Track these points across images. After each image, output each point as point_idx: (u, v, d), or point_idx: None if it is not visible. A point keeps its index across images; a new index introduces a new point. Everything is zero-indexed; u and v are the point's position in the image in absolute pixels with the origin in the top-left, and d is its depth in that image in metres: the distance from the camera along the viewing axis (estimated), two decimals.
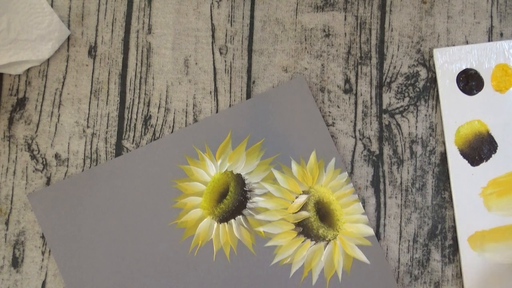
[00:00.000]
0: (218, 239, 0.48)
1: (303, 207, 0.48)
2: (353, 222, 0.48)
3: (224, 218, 0.48)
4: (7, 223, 0.49)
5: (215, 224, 0.48)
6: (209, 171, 0.48)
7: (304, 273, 0.47)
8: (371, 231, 0.47)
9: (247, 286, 0.47)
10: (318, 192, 0.48)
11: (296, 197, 0.48)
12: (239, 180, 0.48)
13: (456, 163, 0.48)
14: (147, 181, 0.48)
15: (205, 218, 0.48)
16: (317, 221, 0.48)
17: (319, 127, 0.49)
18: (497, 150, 0.48)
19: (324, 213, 0.48)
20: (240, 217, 0.48)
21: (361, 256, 0.47)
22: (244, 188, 0.48)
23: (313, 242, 0.47)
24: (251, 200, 0.48)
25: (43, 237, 0.49)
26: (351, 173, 0.49)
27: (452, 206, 0.48)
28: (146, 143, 0.50)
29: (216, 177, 0.48)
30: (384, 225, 0.49)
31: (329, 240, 0.47)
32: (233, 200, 0.48)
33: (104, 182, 0.48)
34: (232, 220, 0.48)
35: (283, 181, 0.48)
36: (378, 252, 0.47)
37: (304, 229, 0.48)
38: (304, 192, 0.48)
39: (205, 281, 0.47)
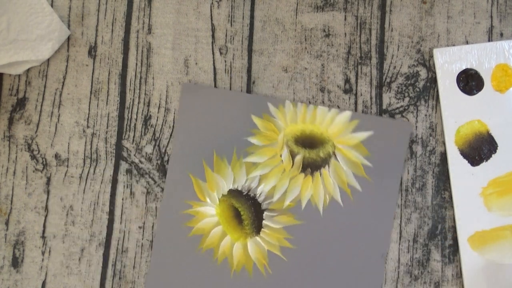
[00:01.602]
0: (271, 244, 0.48)
1: (293, 156, 0.48)
2: (331, 123, 0.48)
3: (257, 227, 0.48)
4: (7, 223, 0.49)
5: (258, 238, 0.48)
6: (211, 213, 0.48)
7: (347, 191, 0.47)
8: (348, 113, 0.48)
9: (322, 246, 0.47)
10: (288, 134, 0.48)
11: (281, 155, 0.48)
12: (235, 193, 0.48)
13: (456, 163, 0.48)
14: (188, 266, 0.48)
15: (247, 243, 0.48)
16: (311, 152, 0.48)
17: (237, 98, 0.49)
18: (497, 150, 0.48)
19: (308, 141, 0.48)
20: (266, 212, 0.48)
21: (363, 134, 0.48)
22: (244, 193, 0.48)
23: (327, 166, 0.48)
24: (258, 195, 0.48)
25: (43, 237, 0.49)
26: None
27: (452, 206, 0.48)
28: (146, 144, 0.50)
29: (219, 211, 0.48)
30: None
31: (334, 152, 0.48)
32: (247, 209, 0.48)
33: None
34: (264, 221, 0.48)
35: (259, 157, 0.48)
36: (368, 118, 0.48)
37: (311, 167, 0.48)
38: (280, 147, 0.48)
39: (291, 279, 0.47)
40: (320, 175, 0.48)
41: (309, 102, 0.49)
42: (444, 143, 0.49)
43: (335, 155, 0.48)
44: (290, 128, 0.48)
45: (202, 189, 0.49)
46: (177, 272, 0.48)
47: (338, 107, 0.50)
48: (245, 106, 0.49)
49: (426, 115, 0.50)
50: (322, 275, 0.47)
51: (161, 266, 0.48)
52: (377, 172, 0.48)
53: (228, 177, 0.49)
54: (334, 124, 0.48)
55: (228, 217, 0.48)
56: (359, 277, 0.47)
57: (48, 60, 0.51)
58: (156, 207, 0.49)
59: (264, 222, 0.48)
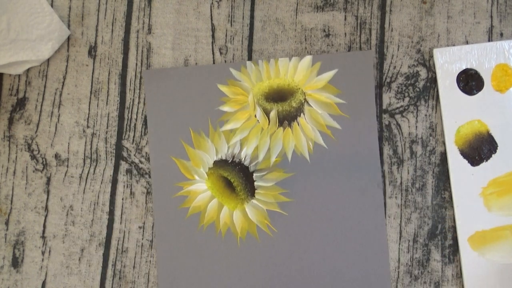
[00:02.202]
0: (267, 203, 0.48)
1: (267, 113, 0.49)
2: (296, 69, 0.48)
3: (251, 191, 0.48)
4: (7, 223, 0.49)
5: (254, 201, 0.48)
6: (202, 189, 0.49)
7: (328, 133, 0.48)
8: (309, 57, 0.49)
9: (317, 193, 0.48)
10: (257, 92, 0.49)
11: (255, 116, 0.49)
12: (220, 163, 0.49)
13: (456, 163, 0.48)
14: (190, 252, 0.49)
15: (245, 208, 0.48)
16: (283, 104, 0.48)
17: (197, 72, 0.49)
18: (497, 150, 0.48)
19: (278, 95, 0.49)
20: (255, 174, 0.48)
21: (329, 75, 0.49)
22: (229, 161, 0.49)
23: (302, 114, 0.48)
24: (243, 160, 0.48)
25: (43, 237, 0.49)
26: None
27: (452, 206, 0.48)
28: (146, 144, 0.50)
29: (209, 185, 0.49)
30: (384, 225, 0.49)
31: (305, 99, 0.48)
32: (236, 176, 0.48)
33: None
34: (255, 183, 0.48)
35: (235, 123, 0.49)
36: (331, 57, 0.49)
37: (287, 119, 0.48)
38: (252, 107, 0.49)
39: (296, 234, 0.48)
40: (298, 124, 0.48)
41: (268, 57, 0.50)
42: (444, 143, 0.49)
43: (307, 102, 0.48)
44: (257, 87, 0.49)
45: (188, 168, 0.49)
46: (185, 256, 0.48)
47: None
48: (208, 78, 0.49)
49: (426, 115, 0.50)
50: (325, 219, 0.48)
51: (168, 256, 0.48)
52: (352, 106, 0.48)
53: (210, 150, 0.49)
54: (298, 72, 0.49)
55: (220, 188, 0.48)
56: (360, 211, 0.47)
57: (48, 60, 0.51)
58: None
59: (255, 183, 0.48)
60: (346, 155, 0.48)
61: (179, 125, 0.49)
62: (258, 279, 0.47)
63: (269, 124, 0.48)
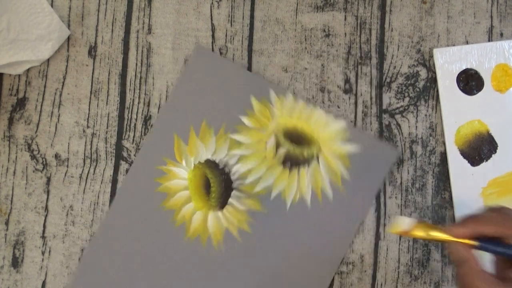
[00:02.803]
0: (231, 223, 0.48)
1: (278, 146, 0.48)
2: (324, 126, 0.48)
3: (222, 202, 0.48)
4: (7, 223, 0.49)
5: (220, 213, 0.48)
6: (182, 176, 0.49)
7: (318, 195, 0.48)
8: (343, 123, 0.48)
9: (279, 241, 0.48)
10: (280, 125, 0.49)
11: (266, 143, 0.48)
12: (211, 164, 0.49)
13: (456, 163, 0.48)
14: (141, 221, 0.48)
15: (208, 215, 0.48)
16: (296, 148, 0.48)
17: (242, 75, 0.49)
18: (497, 150, 0.48)
19: (297, 137, 0.48)
20: (234, 191, 0.48)
21: (350, 148, 0.48)
22: (220, 167, 0.49)
23: (306, 166, 0.48)
24: (232, 173, 0.48)
25: (43, 237, 0.49)
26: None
27: (452, 206, 0.48)
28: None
29: (191, 176, 0.49)
30: (384, 225, 0.49)
31: (318, 155, 0.48)
32: (218, 183, 0.48)
33: (106, 250, 0.48)
34: (230, 199, 0.48)
35: (245, 138, 0.49)
36: (360, 134, 0.48)
37: (291, 162, 0.48)
38: (269, 135, 0.49)
39: (241, 264, 0.48)
40: (298, 172, 0.48)
41: (309, 101, 0.49)
42: (444, 143, 0.49)
43: (317, 158, 0.48)
44: (284, 120, 0.49)
45: (182, 151, 0.49)
46: (135, 222, 0.48)
47: (338, 107, 0.50)
48: (247, 85, 0.49)
49: (426, 115, 0.50)
50: (270, 268, 0.47)
51: (120, 213, 0.48)
52: (352, 187, 0.48)
53: (210, 147, 0.49)
54: (326, 129, 0.48)
55: (198, 184, 0.48)
56: (303, 281, 0.47)
57: (48, 60, 0.51)
58: None
59: (230, 199, 0.48)
60: (321, 225, 0.47)
61: (197, 110, 0.49)
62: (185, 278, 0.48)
63: (273, 157, 0.48)
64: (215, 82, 0.49)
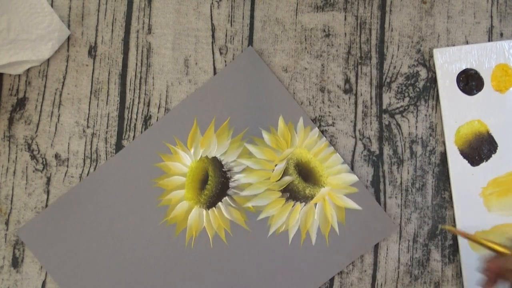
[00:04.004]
0: (210, 225, 0.48)
1: (285, 173, 0.48)
2: (336, 174, 0.48)
3: (211, 203, 0.48)
4: (7, 223, 0.49)
5: (204, 212, 0.48)
6: (185, 162, 0.49)
7: (302, 235, 0.48)
8: (355, 177, 0.48)
9: (249, 263, 0.47)
10: (295, 154, 0.48)
11: (276, 165, 0.48)
12: (216, 163, 0.49)
13: (456, 163, 0.48)
14: (128, 188, 0.48)
15: (193, 209, 0.48)
16: (301, 182, 0.48)
17: (280, 92, 0.49)
18: (497, 150, 0.48)
19: (306, 172, 0.48)
20: (226, 198, 0.48)
21: (352, 204, 0.48)
22: (223, 169, 0.48)
23: (303, 203, 0.48)
24: (232, 179, 0.48)
25: None
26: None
27: (452, 206, 0.48)
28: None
29: (193, 166, 0.49)
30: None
31: (317, 200, 0.48)
32: (215, 183, 0.48)
33: (87, 199, 0.48)
34: (220, 203, 0.48)
35: (258, 153, 0.49)
36: (367, 196, 0.48)
37: (291, 194, 0.48)
38: (281, 159, 0.48)
39: (206, 269, 0.47)
40: (293, 206, 0.48)
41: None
42: (444, 143, 0.49)
43: (316, 202, 0.48)
44: (301, 151, 0.48)
45: (195, 138, 0.49)
46: (122, 185, 0.48)
47: (338, 107, 0.50)
48: (281, 102, 0.49)
49: (426, 115, 0.50)
50: (233, 283, 0.47)
51: (112, 172, 0.49)
52: (338, 242, 0.47)
53: (222, 147, 0.49)
54: (337, 176, 0.48)
55: (196, 176, 0.48)
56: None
57: (48, 60, 0.51)
58: None
59: (219, 203, 0.48)
60: (295, 264, 0.47)
61: (225, 107, 0.49)
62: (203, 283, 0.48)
63: (276, 181, 0.48)
64: (252, 87, 0.49)
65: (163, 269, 0.47)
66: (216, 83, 0.49)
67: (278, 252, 0.47)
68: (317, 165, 0.48)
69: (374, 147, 0.50)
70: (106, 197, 0.48)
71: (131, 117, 0.50)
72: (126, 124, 0.50)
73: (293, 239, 0.48)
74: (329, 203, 0.48)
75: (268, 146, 0.49)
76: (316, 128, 0.49)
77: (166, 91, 0.50)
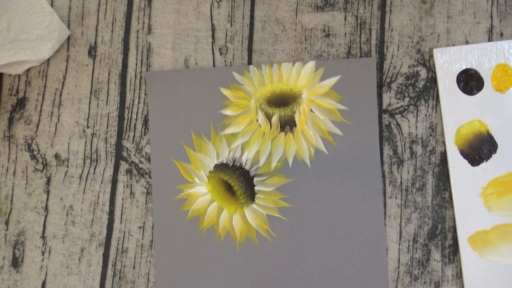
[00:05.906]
0: (267, 207, 0.48)
1: (268, 118, 0.48)
2: (297, 76, 0.48)
3: (250, 195, 0.48)
4: (7, 223, 0.49)
5: (253, 205, 0.48)
6: (203, 192, 0.49)
7: (329, 139, 0.48)
8: (311, 63, 0.48)
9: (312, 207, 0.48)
10: (259, 98, 0.49)
11: (257, 120, 0.49)
12: (221, 167, 0.49)
13: (456, 163, 0.48)
14: None
15: (245, 212, 0.48)
16: (286, 110, 0.48)
17: (201, 77, 0.49)
18: (497, 150, 0.48)
19: (281, 100, 0.48)
20: (255, 179, 0.48)
21: (332, 81, 0.48)
22: (230, 165, 0.49)
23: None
24: (244, 164, 0.48)
25: (43, 237, 0.49)
26: None
27: (452, 206, 0.48)
28: (146, 144, 0.50)
29: (210, 188, 0.49)
30: (384, 225, 0.49)
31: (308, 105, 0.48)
32: (237, 181, 0.48)
33: None
34: (255, 188, 0.48)
35: (237, 127, 0.49)
36: (335, 64, 0.49)
37: (289, 125, 0.48)
38: (256, 111, 0.49)
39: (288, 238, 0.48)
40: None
41: (271, 62, 0.49)
42: (444, 143, 0.49)
43: (311, 110, 0.48)
44: (260, 91, 0.49)
45: (189, 171, 0.49)
46: (184, 259, 0.48)
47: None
48: (211, 81, 0.49)
49: (426, 115, 0.50)
50: (325, 225, 0.48)
51: (167, 259, 0.48)
52: (354, 113, 0.48)
53: (211, 153, 0.49)
54: (301, 77, 0.48)
55: (220, 191, 0.48)
56: (360, 218, 0.47)
57: (48, 60, 0.51)
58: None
59: (256, 188, 0.48)
60: (347, 162, 0.48)
61: (181, 127, 0.49)
62: (256, 284, 0.47)
63: (270, 129, 0.48)
64: (181, 94, 0.49)
65: (264, 278, 0.48)
66: (154, 119, 0.49)
67: (328, 168, 0.48)
68: (280, 86, 0.49)
69: None
70: (182, 269, 0.49)
71: (131, 117, 0.50)
72: (126, 124, 0.50)
73: (326, 149, 0.48)
74: (317, 98, 0.48)
75: (237, 115, 0.49)
76: (251, 66, 0.49)
77: None
